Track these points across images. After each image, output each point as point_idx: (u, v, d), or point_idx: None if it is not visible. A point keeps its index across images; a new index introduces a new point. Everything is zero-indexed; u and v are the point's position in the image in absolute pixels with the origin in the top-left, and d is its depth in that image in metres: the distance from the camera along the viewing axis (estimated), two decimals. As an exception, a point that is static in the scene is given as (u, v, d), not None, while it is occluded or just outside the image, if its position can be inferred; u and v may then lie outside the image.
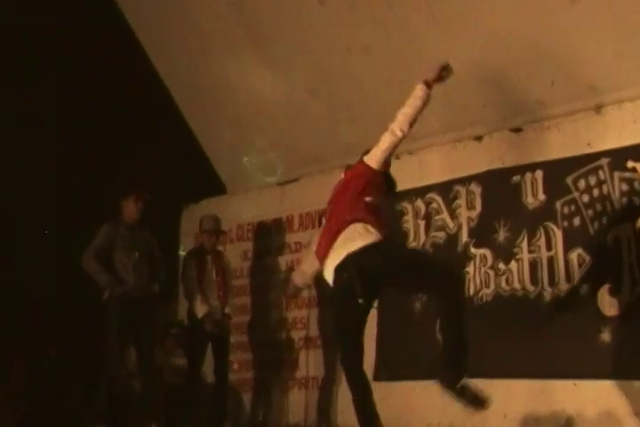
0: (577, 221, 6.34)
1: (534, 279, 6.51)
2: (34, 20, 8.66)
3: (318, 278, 5.72)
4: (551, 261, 6.44)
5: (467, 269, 6.94)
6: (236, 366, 8.61)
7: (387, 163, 5.44)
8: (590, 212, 6.29)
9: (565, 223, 6.40)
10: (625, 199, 6.13)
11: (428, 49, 7.04)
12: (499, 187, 6.84)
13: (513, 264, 6.66)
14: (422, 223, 7.37)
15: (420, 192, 7.37)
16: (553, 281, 6.40)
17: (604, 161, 6.26)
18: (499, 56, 6.73)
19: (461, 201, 7.11)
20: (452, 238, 7.12)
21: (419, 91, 5.38)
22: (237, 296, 8.73)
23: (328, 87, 7.93)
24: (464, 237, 7.04)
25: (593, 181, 6.31)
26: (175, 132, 9.27)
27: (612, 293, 6.06)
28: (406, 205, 7.44)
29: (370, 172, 5.35)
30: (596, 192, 6.29)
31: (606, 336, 6.00)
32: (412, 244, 7.37)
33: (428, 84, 5.41)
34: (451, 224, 7.17)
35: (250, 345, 8.65)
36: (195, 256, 7.98)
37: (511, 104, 6.83)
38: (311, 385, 8.00)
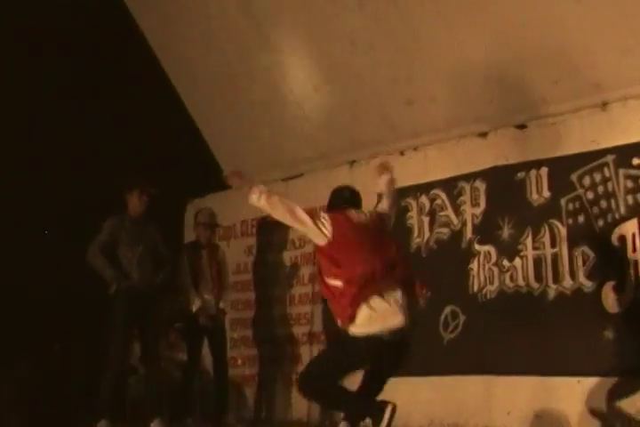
0: (582, 218, 6.34)
1: (538, 276, 6.50)
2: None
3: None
4: (555, 258, 6.43)
5: (471, 266, 6.93)
6: (239, 361, 8.64)
7: None
8: (595, 209, 6.28)
9: (570, 220, 6.40)
10: (630, 196, 6.12)
11: (433, 46, 7.04)
12: (503, 183, 6.83)
13: (517, 261, 6.65)
14: (426, 219, 7.36)
15: (425, 188, 7.36)
16: (557, 278, 6.39)
17: (610, 158, 6.25)
18: (504, 53, 6.72)
19: (466, 197, 7.10)
20: (457, 235, 7.12)
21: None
22: (241, 291, 8.75)
23: (333, 83, 7.92)
24: (468, 233, 7.04)
25: (598, 178, 6.30)
26: (180, 126, 9.26)
27: (617, 290, 6.05)
28: (411, 201, 7.43)
29: None
30: (601, 189, 6.28)
31: (610, 334, 5.99)
32: (416, 240, 7.36)
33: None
34: (455, 220, 7.16)
35: (253, 340, 8.66)
36: (190, 250, 7.98)
37: (516, 101, 6.81)
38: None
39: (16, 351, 8.36)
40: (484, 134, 7.05)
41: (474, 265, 6.92)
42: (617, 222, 6.14)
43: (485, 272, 6.83)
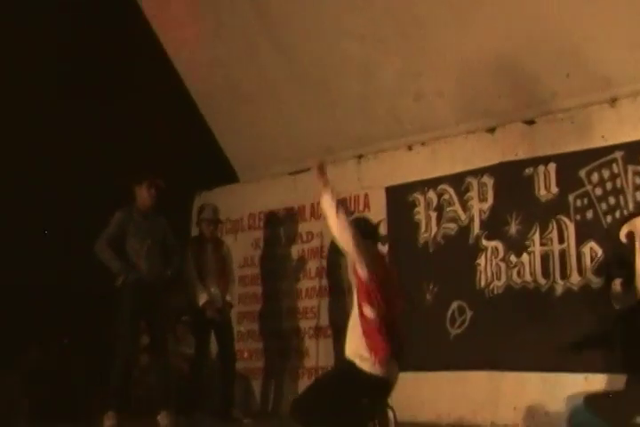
0: (590, 214, 6.33)
1: (546, 272, 6.50)
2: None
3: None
4: (563, 254, 6.43)
5: (478, 262, 6.93)
6: (246, 354, 8.65)
7: None
8: (603, 205, 6.27)
9: (578, 216, 6.39)
10: (639, 193, 6.12)
11: (443, 40, 7.03)
12: (511, 179, 6.82)
13: (525, 257, 6.65)
14: (434, 215, 7.35)
15: (432, 183, 7.36)
16: (565, 274, 6.39)
17: (618, 154, 6.24)
18: (513, 47, 6.70)
19: (473, 193, 7.10)
20: (464, 230, 7.11)
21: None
22: (248, 285, 8.76)
23: (341, 77, 7.90)
24: (476, 229, 7.03)
25: (606, 174, 6.29)
26: (188, 119, 9.24)
27: (625, 286, 6.03)
28: (418, 197, 7.42)
29: None
30: (609, 185, 6.27)
31: (618, 330, 5.97)
32: (423, 235, 7.36)
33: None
34: (462, 216, 7.16)
35: (260, 334, 8.68)
36: (194, 245, 8.00)
37: (525, 96, 6.80)
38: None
39: (26, 342, 8.39)
40: (492, 130, 7.04)
41: (481, 260, 6.92)
42: (626, 219, 6.09)
43: (493, 268, 6.83)
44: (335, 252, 8.08)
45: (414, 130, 7.53)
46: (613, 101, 6.34)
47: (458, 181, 7.19)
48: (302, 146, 8.49)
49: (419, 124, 7.49)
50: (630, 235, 6.04)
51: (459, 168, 7.20)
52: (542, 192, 6.63)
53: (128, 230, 7.43)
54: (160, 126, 9.12)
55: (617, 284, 6.01)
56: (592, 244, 6.28)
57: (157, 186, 7.50)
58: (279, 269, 8.65)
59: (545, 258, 6.53)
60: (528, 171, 6.71)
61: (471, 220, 7.08)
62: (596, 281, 6.22)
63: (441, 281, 7.12)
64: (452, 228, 7.22)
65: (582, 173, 6.40)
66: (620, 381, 5.86)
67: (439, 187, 7.33)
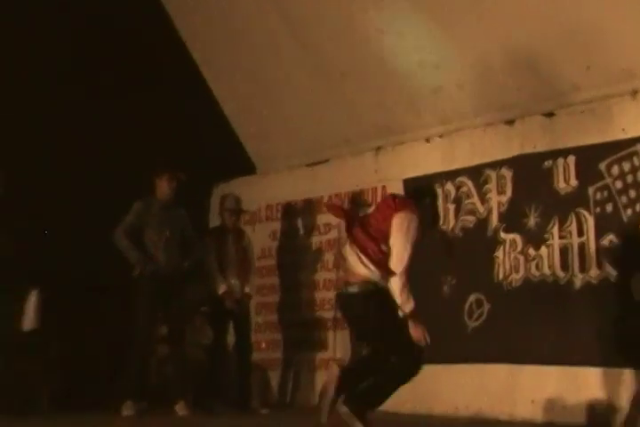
0: (609, 207, 6.29)
1: (565, 265, 6.47)
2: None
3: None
4: (582, 247, 6.39)
5: (496, 254, 6.91)
6: (263, 345, 8.67)
7: None
8: (624, 198, 6.23)
9: (598, 209, 6.35)
10: (659, 186, 6.09)
11: (462, 32, 6.99)
12: (530, 172, 6.79)
13: (543, 250, 6.62)
14: (452, 207, 7.33)
15: (451, 176, 7.33)
16: (584, 267, 6.35)
17: (639, 147, 6.18)
18: (533, 39, 6.66)
19: (492, 185, 7.07)
20: (482, 223, 7.09)
21: None
22: (266, 276, 8.77)
23: (360, 68, 7.88)
24: (494, 221, 7.01)
25: (627, 167, 6.24)
26: (206, 110, 9.25)
27: (645, 279, 6.02)
28: (436, 189, 7.37)
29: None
30: (629, 178, 6.22)
31: (637, 323, 5.95)
32: (441, 227, 7.33)
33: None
34: (481, 208, 7.14)
35: (278, 325, 8.69)
36: (215, 235, 8.01)
37: (545, 88, 6.76)
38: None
39: (46, 330, 8.45)
40: (510, 122, 7.00)
41: (499, 253, 6.90)
42: (646, 212, 6.11)
43: (511, 260, 6.81)
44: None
45: (433, 122, 7.51)
46: (634, 94, 6.28)
47: (476, 173, 7.16)
48: (320, 137, 8.49)
49: (437, 117, 7.47)
50: (651, 228, 6.04)
51: (477, 160, 7.17)
52: (561, 185, 6.59)
53: (146, 221, 7.48)
54: (179, 118, 9.14)
55: (637, 277, 6.01)
56: (612, 237, 6.23)
57: (178, 179, 7.53)
58: (297, 260, 8.66)
59: (564, 251, 6.49)
60: (547, 163, 6.68)
61: (489, 212, 7.06)
62: (614, 274, 6.18)
63: (459, 274, 7.11)
64: (470, 220, 7.20)
65: (602, 166, 6.35)
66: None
67: (457, 179, 7.31)
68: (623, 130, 6.28)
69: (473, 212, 7.19)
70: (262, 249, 8.79)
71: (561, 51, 6.56)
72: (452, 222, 7.31)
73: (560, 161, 6.61)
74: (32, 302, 7.33)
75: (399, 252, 5.22)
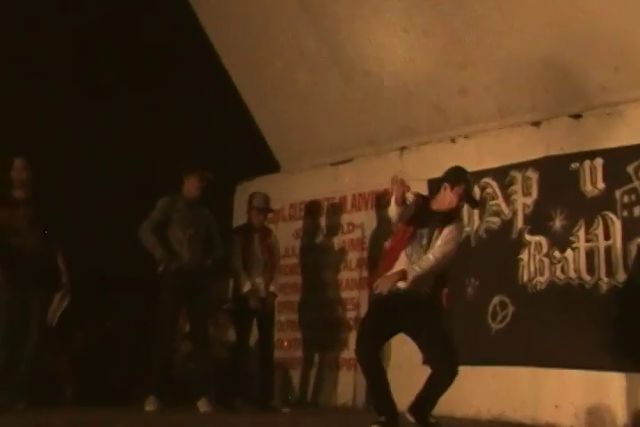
0: (637, 210, 6.23)
1: (591, 269, 6.41)
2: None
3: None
4: (609, 250, 6.34)
5: (521, 256, 6.87)
6: (285, 344, 8.67)
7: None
8: (652, 201, 6.18)
9: (625, 213, 6.29)
10: (688, 190, 6.03)
11: (489, 33, 6.96)
12: (556, 174, 6.73)
13: (569, 253, 6.57)
14: (477, 208, 7.27)
15: (476, 177, 7.20)
16: (610, 271, 6.30)
17: (668, 150, 6.14)
18: (561, 40, 6.62)
19: (517, 187, 7.02)
20: (507, 224, 7.04)
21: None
22: (288, 275, 8.76)
23: (385, 68, 7.85)
24: (519, 223, 6.96)
25: (655, 170, 6.20)
26: (232, 108, 9.26)
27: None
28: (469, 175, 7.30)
29: None
30: (657, 182, 6.18)
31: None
32: (465, 229, 7.28)
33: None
34: (506, 210, 7.09)
35: (299, 324, 8.69)
36: (242, 233, 8.00)
37: (572, 90, 6.71)
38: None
39: (72, 325, 8.49)
40: (537, 123, 6.96)
41: (524, 255, 6.85)
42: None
43: (536, 263, 6.76)
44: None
45: (458, 123, 7.46)
46: (664, 96, 6.24)
47: (502, 174, 7.12)
48: (345, 137, 8.47)
49: (463, 117, 7.44)
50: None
51: (503, 162, 7.12)
52: (588, 187, 6.53)
53: (172, 218, 7.49)
54: (205, 115, 9.16)
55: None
56: (639, 241, 6.18)
57: (207, 179, 7.56)
58: (320, 259, 8.65)
59: (590, 254, 6.44)
60: (574, 165, 6.62)
61: (514, 214, 7.01)
62: (641, 278, 6.14)
63: (483, 275, 7.07)
64: (494, 222, 7.16)
65: (630, 169, 6.30)
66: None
67: (482, 180, 7.25)
68: (652, 132, 6.23)
69: (498, 213, 7.14)
70: (285, 248, 8.78)
71: (589, 52, 6.51)
72: (476, 224, 7.26)
73: (587, 163, 6.55)
74: (57, 300, 7.36)
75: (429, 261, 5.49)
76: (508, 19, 6.80)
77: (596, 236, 6.43)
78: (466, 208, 7.18)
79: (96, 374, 8.29)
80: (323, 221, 8.70)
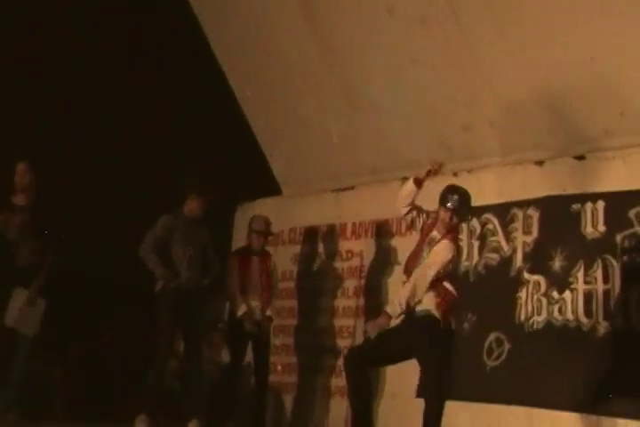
0: (637, 256, 6.25)
1: (589, 311, 6.43)
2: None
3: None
4: (607, 294, 6.35)
5: (519, 294, 6.89)
6: (279, 368, 8.67)
7: None
8: (652, 248, 6.20)
9: (625, 257, 6.31)
10: (689, 238, 6.05)
11: (494, 69, 6.99)
12: (558, 214, 6.76)
13: (567, 294, 6.59)
14: (476, 244, 7.31)
15: (477, 212, 7.27)
16: (608, 315, 6.32)
17: (671, 197, 6.17)
18: (568, 81, 6.64)
19: (518, 224, 7.04)
20: (506, 262, 7.06)
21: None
22: (285, 299, 8.76)
23: (389, 98, 7.87)
24: (518, 261, 6.98)
25: (657, 217, 6.22)
26: (235, 129, 9.29)
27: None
28: (461, 224, 7.35)
29: None
30: (659, 228, 6.20)
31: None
32: (464, 263, 7.31)
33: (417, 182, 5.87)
34: (505, 247, 7.11)
35: (295, 349, 8.69)
36: (240, 256, 8.01)
37: (576, 132, 6.74)
38: (354, 395, 8.01)
39: (68, 336, 8.51)
40: (540, 162, 6.98)
41: (522, 294, 6.87)
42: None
43: (534, 302, 6.78)
44: (375, 272, 8.12)
45: (461, 157, 7.48)
46: (668, 143, 6.27)
47: (503, 211, 7.14)
48: (348, 164, 8.49)
49: (466, 152, 7.45)
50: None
51: (504, 198, 7.15)
52: (589, 230, 6.56)
53: (173, 236, 7.52)
54: (207, 136, 9.18)
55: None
56: (639, 287, 6.20)
57: (209, 200, 7.59)
58: (317, 285, 8.66)
59: (588, 297, 6.46)
60: (575, 206, 6.65)
61: (514, 251, 7.03)
62: (640, 325, 6.16)
63: (480, 311, 7.09)
64: (494, 258, 7.18)
65: (632, 214, 6.32)
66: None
67: (483, 216, 7.28)
68: (655, 178, 6.26)
69: (497, 250, 7.16)
70: (283, 272, 8.78)
71: (595, 95, 6.53)
72: (475, 259, 7.29)
73: (589, 205, 6.58)
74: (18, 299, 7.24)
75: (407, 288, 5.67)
76: (514, 58, 6.83)
77: (595, 278, 6.46)
78: (466, 245, 7.27)
79: (89, 388, 8.30)
80: (321, 247, 8.71)
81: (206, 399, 8.07)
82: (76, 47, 9.00)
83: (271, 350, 8.44)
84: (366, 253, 8.27)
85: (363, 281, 8.24)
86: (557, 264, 6.69)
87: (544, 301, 6.72)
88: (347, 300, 8.36)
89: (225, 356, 8.57)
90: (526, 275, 6.89)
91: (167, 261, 7.47)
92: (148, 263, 7.42)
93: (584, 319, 6.45)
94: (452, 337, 5.84)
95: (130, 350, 8.67)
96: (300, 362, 8.62)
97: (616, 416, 6.06)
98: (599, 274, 6.43)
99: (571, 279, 6.59)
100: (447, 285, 5.79)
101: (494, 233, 7.21)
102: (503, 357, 6.88)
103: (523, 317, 6.84)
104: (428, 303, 5.74)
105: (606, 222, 6.47)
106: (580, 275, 6.54)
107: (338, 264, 8.51)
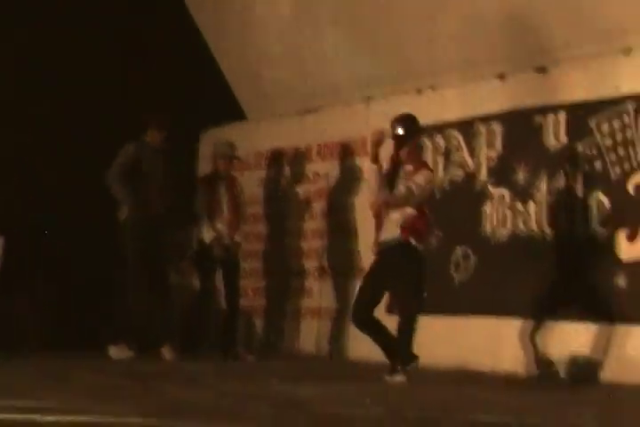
0: (598, 164, 6.32)
1: (552, 221, 6.51)
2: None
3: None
4: (570, 204, 6.43)
5: (484, 208, 6.95)
6: (249, 292, 8.72)
7: None
8: (612, 156, 6.25)
9: (586, 167, 6.38)
10: (648, 145, 6.10)
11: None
12: (520, 127, 6.79)
13: (531, 205, 6.66)
14: (441, 160, 7.34)
15: (441, 128, 7.32)
16: (571, 224, 6.40)
17: (630, 105, 6.18)
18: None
19: (482, 139, 7.07)
20: (471, 176, 7.12)
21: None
22: (252, 223, 8.78)
23: (351, 18, 7.81)
24: (483, 175, 7.03)
25: (617, 125, 6.25)
26: (197, 56, 9.17)
27: (630, 238, 6.08)
28: (426, 141, 7.36)
29: None
30: (619, 137, 6.23)
31: (622, 281, 6.04)
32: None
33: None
34: (470, 162, 7.15)
35: (264, 272, 8.75)
36: (207, 182, 8.00)
37: (537, 43, 6.73)
38: (323, 315, 8.11)
39: (33, 268, 8.49)
40: (502, 76, 6.97)
41: (487, 207, 6.95)
42: (633, 171, 6.13)
43: (499, 215, 6.85)
44: (341, 193, 8.14)
45: (424, 74, 7.45)
46: (628, 51, 6.25)
47: (467, 126, 7.16)
48: (311, 86, 8.43)
49: (429, 68, 7.42)
50: (638, 187, 6.08)
51: (468, 114, 7.15)
52: (552, 141, 6.60)
53: (138, 164, 7.50)
54: (170, 63, 9.04)
55: (622, 235, 6.07)
56: (599, 195, 6.28)
57: (167, 126, 7.53)
58: (284, 208, 8.68)
59: (552, 207, 6.53)
60: (538, 119, 6.68)
61: (478, 166, 7.08)
62: (601, 232, 6.25)
63: (446, 227, 7.15)
64: (458, 174, 7.22)
65: (592, 123, 6.36)
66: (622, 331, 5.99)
67: (447, 132, 7.31)
68: (615, 87, 6.27)
69: (462, 165, 7.20)
70: (250, 196, 8.78)
71: (554, 7, 6.52)
72: (440, 175, 7.32)
73: (550, 117, 6.61)
74: None
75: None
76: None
77: (558, 189, 6.52)
78: (431, 163, 7.29)
79: (60, 319, 8.28)
80: (288, 171, 8.71)
81: (178, 326, 8.14)
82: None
83: (241, 274, 8.50)
84: (332, 174, 8.29)
85: (329, 203, 8.26)
86: (521, 177, 6.75)
87: (509, 213, 6.80)
88: (314, 222, 8.40)
89: (196, 283, 8.59)
90: (491, 189, 6.95)
91: (133, 189, 7.45)
92: (115, 191, 7.40)
93: (548, 229, 6.53)
94: (421, 257, 6.00)
95: (98, 280, 8.64)
96: (270, 285, 8.70)
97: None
98: (562, 184, 6.49)
99: (534, 191, 6.65)
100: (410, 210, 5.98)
101: (458, 149, 7.24)
102: (470, 270, 6.97)
103: (488, 230, 6.91)
104: (394, 231, 5.95)
105: (568, 133, 6.51)
106: (544, 186, 6.61)
107: (305, 187, 8.52)
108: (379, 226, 6.12)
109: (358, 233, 7.84)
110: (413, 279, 5.94)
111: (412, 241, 5.93)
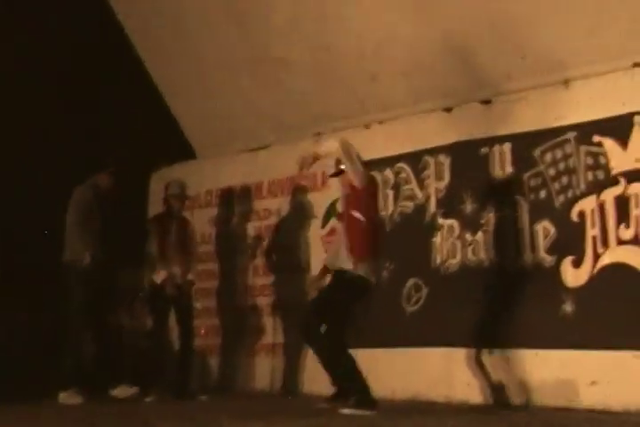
0: (543, 193, 6.44)
1: (500, 250, 6.59)
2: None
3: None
4: (517, 232, 6.52)
5: (434, 239, 7.02)
6: (202, 331, 8.66)
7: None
8: (556, 185, 6.38)
9: (532, 196, 6.50)
10: (590, 173, 6.23)
11: (399, 19, 7.06)
12: (467, 158, 6.91)
13: (479, 235, 6.75)
14: (391, 193, 7.43)
15: (390, 162, 7.42)
16: (519, 253, 6.49)
17: (571, 135, 6.34)
18: (470, 29, 6.76)
19: (430, 172, 7.18)
20: (421, 208, 7.20)
21: None
22: (204, 262, 8.75)
23: (299, 55, 7.89)
24: (432, 207, 7.12)
25: (559, 154, 6.40)
26: (146, 96, 9.21)
27: (575, 265, 6.18)
28: (375, 175, 7.44)
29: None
30: (562, 166, 6.38)
31: (568, 307, 6.12)
32: (380, 213, 7.40)
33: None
34: (419, 194, 7.24)
35: (216, 311, 8.71)
36: (158, 221, 7.99)
37: (481, 76, 6.87)
38: (277, 351, 8.09)
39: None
40: (448, 109, 7.11)
41: (437, 238, 7.02)
42: (577, 199, 6.25)
43: (448, 246, 6.92)
44: (292, 229, 8.18)
45: (372, 109, 7.57)
46: (567, 83, 6.42)
47: (415, 159, 7.26)
48: (260, 123, 8.50)
49: (376, 104, 7.54)
50: (581, 214, 6.20)
51: (416, 147, 7.26)
52: (498, 171, 6.72)
53: (89, 209, 7.47)
54: (117, 103, 9.08)
55: (568, 262, 6.17)
56: (545, 223, 6.38)
57: (118, 174, 7.57)
58: (236, 246, 8.68)
59: (500, 236, 6.62)
60: (484, 150, 6.81)
61: (428, 198, 7.17)
62: (548, 259, 6.34)
63: (397, 259, 7.20)
64: (408, 206, 7.30)
65: (536, 153, 6.50)
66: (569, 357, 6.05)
67: (396, 165, 7.40)
68: (556, 118, 6.43)
69: (411, 197, 7.29)
70: (201, 235, 8.77)
71: (497, 41, 6.67)
72: (390, 208, 7.40)
73: (496, 148, 6.74)
74: None
75: None
76: (418, 6, 6.92)
77: (505, 218, 6.62)
78: (381, 196, 7.37)
79: (4, 368, 8.15)
80: (238, 208, 8.73)
81: (131, 367, 8.05)
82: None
83: (194, 313, 8.45)
84: (283, 210, 8.33)
85: (280, 238, 8.28)
86: (469, 207, 6.84)
87: (458, 244, 6.87)
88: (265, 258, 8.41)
89: (149, 323, 8.52)
90: (440, 220, 7.04)
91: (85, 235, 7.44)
92: (77, 239, 7.36)
93: (496, 258, 6.61)
94: (362, 287, 5.99)
95: (45, 326, 8.54)
96: (223, 323, 8.65)
97: (528, 347, 6.23)
98: (509, 214, 6.59)
99: (482, 221, 6.75)
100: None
101: (408, 181, 7.33)
102: (422, 301, 7.02)
103: (438, 261, 6.98)
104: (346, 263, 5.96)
105: (514, 163, 6.63)
106: (491, 216, 6.71)
107: (255, 223, 8.54)
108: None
109: (311, 268, 7.86)
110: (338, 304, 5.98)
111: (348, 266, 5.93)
